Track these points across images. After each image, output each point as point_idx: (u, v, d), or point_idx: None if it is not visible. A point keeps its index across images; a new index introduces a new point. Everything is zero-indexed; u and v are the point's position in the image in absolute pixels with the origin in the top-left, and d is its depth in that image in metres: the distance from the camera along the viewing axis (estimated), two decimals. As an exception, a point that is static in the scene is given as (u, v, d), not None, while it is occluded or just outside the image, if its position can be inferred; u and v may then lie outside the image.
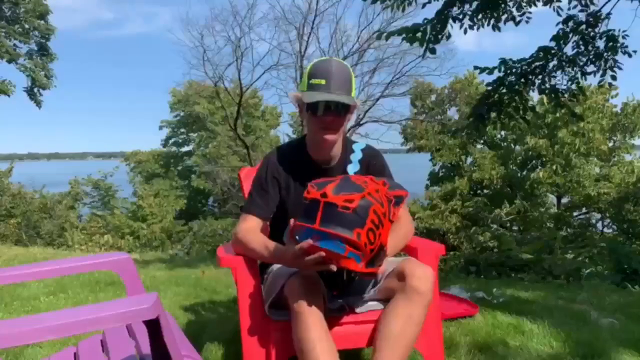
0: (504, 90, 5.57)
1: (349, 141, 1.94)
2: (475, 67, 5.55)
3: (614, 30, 5.47)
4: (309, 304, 1.49)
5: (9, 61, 13.74)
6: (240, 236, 1.74)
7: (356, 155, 1.90)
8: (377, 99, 16.03)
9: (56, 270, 1.57)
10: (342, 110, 1.70)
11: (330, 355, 1.46)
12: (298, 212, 1.68)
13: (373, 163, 1.89)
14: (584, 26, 5.53)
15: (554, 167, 15.02)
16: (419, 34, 5.09)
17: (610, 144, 16.26)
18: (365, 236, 1.41)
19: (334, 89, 1.66)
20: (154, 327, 1.08)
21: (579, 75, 5.64)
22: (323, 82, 1.66)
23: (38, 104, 14.47)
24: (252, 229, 1.75)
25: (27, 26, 14.02)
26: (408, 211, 1.91)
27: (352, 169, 1.87)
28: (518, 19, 5.49)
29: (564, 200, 16.59)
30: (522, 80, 5.53)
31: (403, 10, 5.37)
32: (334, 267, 1.45)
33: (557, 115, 14.10)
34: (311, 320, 1.48)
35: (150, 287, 3.61)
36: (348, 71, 1.73)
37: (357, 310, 1.71)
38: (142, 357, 1.40)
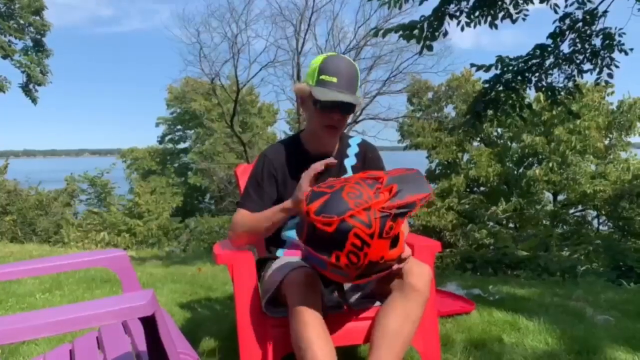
0: (501, 88, 5.58)
1: (345, 136, 1.95)
2: (472, 65, 5.55)
3: (610, 28, 5.48)
4: (307, 301, 1.50)
5: (4, 57, 13.65)
6: (237, 226, 1.77)
7: (353, 149, 1.91)
8: (374, 96, 16.04)
9: (52, 267, 1.56)
10: (349, 109, 1.73)
11: (328, 352, 1.46)
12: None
13: (369, 156, 1.91)
14: (580, 24, 5.53)
15: (550, 165, 15.05)
16: (416, 31, 5.10)
17: (606, 142, 16.29)
18: (346, 258, 1.39)
19: (344, 87, 1.68)
20: (150, 324, 1.07)
21: (575, 73, 5.65)
22: (334, 80, 1.68)
23: (33, 100, 14.39)
24: (244, 218, 1.78)
25: (22, 22, 13.91)
26: None
27: (349, 162, 1.89)
28: (515, 16, 5.50)
29: (560, 197, 16.62)
30: (519, 77, 5.54)
31: (400, 7, 5.36)
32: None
33: (554, 112, 14.13)
34: (309, 317, 1.48)
35: (147, 284, 3.60)
36: (356, 70, 1.76)
37: (355, 307, 1.71)
38: (138, 354, 1.40)
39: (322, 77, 1.69)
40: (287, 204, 1.68)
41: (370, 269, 1.44)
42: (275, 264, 1.78)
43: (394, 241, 1.43)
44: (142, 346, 1.36)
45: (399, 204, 1.40)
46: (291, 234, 1.84)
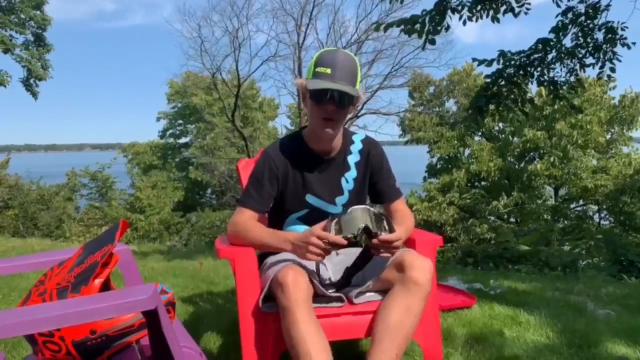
0: (503, 82, 5.56)
1: (348, 132, 1.94)
2: (474, 59, 5.53)
3: (613, 22, 5.45)
4: (296, 298, 1.49)
5: (5, 51, 13.62)
6: (239, 227, 1.75)
7: (356, 146, 1.90)
8: (376, 91, 15.99)
9: (54, 261, 1.56)
10: (344, 100, 1.69)
11: (321, 347, 1.47)
12: (296, 203, 1.82)
13: (373, 153, 1.90)
14: (583, 18, 5.51)
15: (552, 159, 15.03)
16: (417, 26, 5.07)
17: (608, 136, 16.28)
18: (46, 350, 1.31)
19: (338, 78, 1.66)
20: (152, 317, 1.08)
21: (577, 67, 5.63)
22: (328, 71, 1.66)
23: (34, 95, 14.37)
24: (250, 219, 1.76)
25: (22, 16, 13.88)
26: (405, 204, 1.96)
27: (353, 159, 1.88)
28: (517, 10, 5.46)
29: (561, 192, 16.63)
30: (521, 72, 5.51)
31: (402, 1, 5.35)
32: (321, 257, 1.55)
33: (555, 107, 14.09)
34: (299, 314, 1.48)
35: (149, 278, 3.61)
36: (354, 63, 1.73)
37: (356, 301, 1.71)
38: (140, 348, 1.40)
39: (317, 69, 1.69)
40: (287, 246, 1.64)
41: (95, 348, 1.31)
42: (270, 260, 1.78)
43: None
44: (145, 340, 1.36)
45: (78, 271, 1.38)
46: (293, 228, 1.84)
